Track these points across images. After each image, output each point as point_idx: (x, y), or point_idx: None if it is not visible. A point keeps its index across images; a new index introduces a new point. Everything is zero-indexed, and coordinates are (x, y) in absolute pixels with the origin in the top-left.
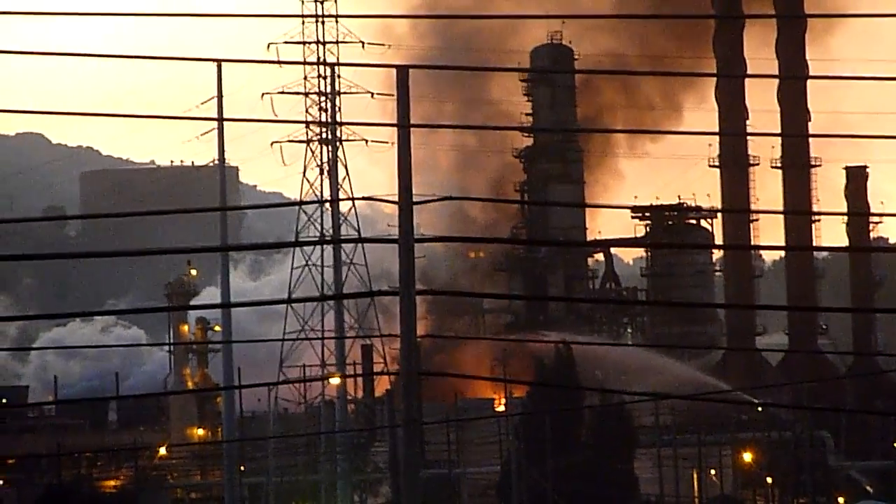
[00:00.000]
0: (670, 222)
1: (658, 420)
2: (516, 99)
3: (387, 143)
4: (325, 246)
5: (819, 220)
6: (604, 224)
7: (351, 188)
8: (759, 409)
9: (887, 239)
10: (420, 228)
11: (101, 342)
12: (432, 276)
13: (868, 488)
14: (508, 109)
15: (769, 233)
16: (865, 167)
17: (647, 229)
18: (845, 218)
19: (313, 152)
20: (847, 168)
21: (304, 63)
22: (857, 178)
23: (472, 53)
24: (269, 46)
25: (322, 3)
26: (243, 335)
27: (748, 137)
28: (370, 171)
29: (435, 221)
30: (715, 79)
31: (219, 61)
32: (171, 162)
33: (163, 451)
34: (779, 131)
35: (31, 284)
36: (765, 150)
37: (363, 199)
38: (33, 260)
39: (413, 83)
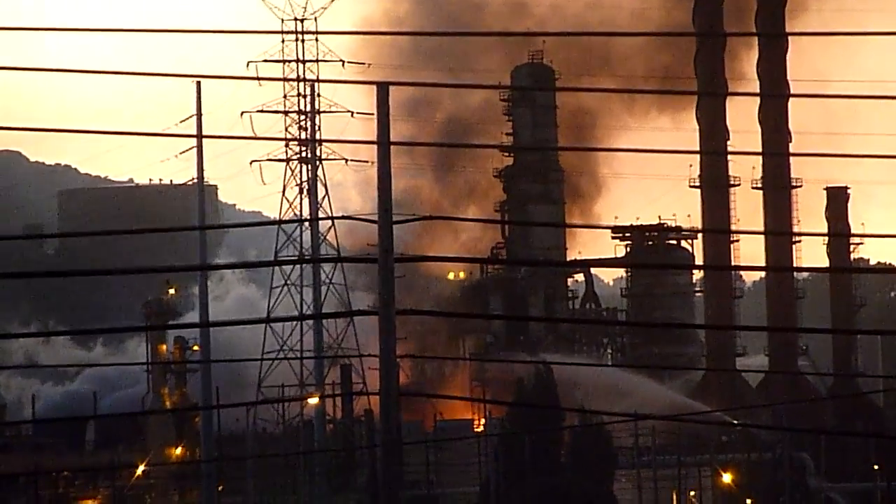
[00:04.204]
0: (650, 243)
1: (638, 441)
2: (497, 118)
3: (367, 161)
4: (304, 265)
5: (799, 241)
6: (584, 244)
7: (331, 207)
8: (739, 430)
9: (867, 260)
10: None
11: (78, 361)
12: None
13: None
14: (489, 129)
15: (749, 253)
16: (846, 188)
17: (628, 250)
18: (826, 239)
19: (293, 171)
20: (828, 189)
21: (284, 80)
22: (837, 199)
23: (454, 72)
24: (248, 65)
25: (302, 21)
26: (223, 353)
27: (729, 158)
28: (351, 190)
29: (415, 241)
30: (696, 99)
31: (198, 79)
32: (150, 180)
33: (140, 470)
34: (759, 151)
35: (6, 303)
36: (745, 171)
37: (343, 217)
38: (8, 278)
39: (393, 102)
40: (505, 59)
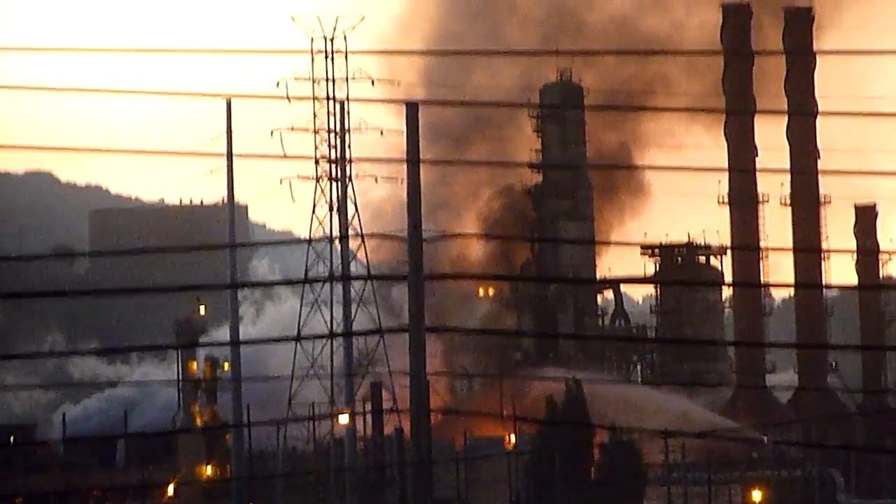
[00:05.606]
0: (680, 260)
1: (668, 457)
2: (526, 136)
3: (396, 179)
4: (334, 283)
5: (828, 258)
6: (613, 261)
7: (360, 225)
8: (769, 446)
9: None
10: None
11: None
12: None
13: None
14: (518, 147)
15: (779, 270)
16: (875, 204)
17: (657, 267)
18: (855, 255)
19: (322, 189)
20: (856, 206)
21: (314, 99)
22: (866, 216)
23: (483, 91)
24: (278, 83)
25: (331, 39)
26: (252, 373)
27: (757, 175)
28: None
29: (444, 259)
30: (724, 116)
31: (228, 97)
32: (181, 200)
33: (171, 488)
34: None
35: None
36: (774, 188)
37: (373, 235)
38: (42, 297)
39: (423, 121)
40: (534, 74)
